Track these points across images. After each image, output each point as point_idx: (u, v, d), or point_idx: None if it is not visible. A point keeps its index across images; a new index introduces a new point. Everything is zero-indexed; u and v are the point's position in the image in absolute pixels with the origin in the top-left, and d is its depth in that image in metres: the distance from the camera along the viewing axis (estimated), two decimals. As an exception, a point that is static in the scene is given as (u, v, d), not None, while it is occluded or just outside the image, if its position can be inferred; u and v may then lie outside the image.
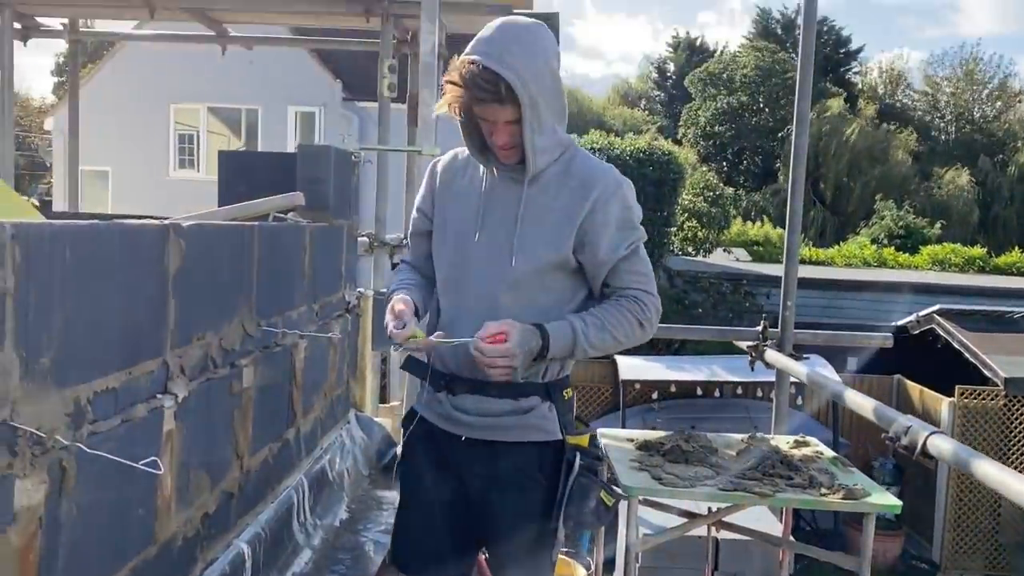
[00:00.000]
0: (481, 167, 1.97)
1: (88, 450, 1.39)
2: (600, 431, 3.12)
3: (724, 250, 16.56)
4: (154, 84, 17.18)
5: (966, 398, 8.97)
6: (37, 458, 1.35)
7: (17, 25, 5.04)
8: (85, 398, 1.51)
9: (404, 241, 2.24)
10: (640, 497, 2.62)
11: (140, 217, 3.52)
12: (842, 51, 35.70)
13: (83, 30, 5.79)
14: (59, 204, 15.19)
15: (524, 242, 1.89)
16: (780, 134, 28.61)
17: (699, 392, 9.66)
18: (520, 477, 1.90)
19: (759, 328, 3.65)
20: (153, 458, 1.41)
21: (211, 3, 4.46)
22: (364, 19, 4.51)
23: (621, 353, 10.48)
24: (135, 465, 1.34)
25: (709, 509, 2.87)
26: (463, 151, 2.05)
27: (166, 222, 1.86)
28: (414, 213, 2.13)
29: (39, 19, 5.42)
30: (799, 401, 9.33)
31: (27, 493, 1.35)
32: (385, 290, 2.16)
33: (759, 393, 9.23)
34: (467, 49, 1.82)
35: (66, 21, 5.49)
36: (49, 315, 1.39)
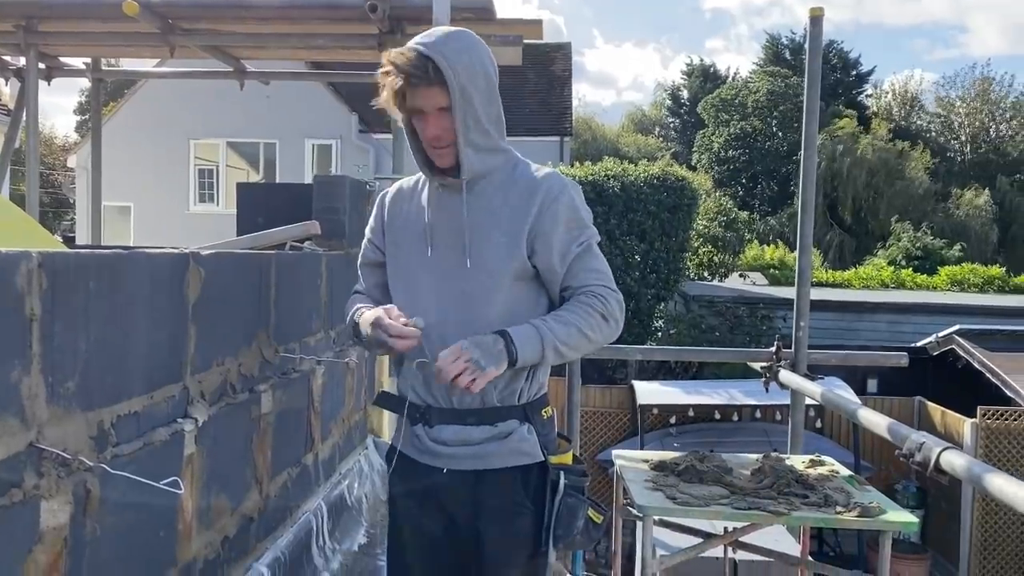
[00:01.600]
0: (426, 192, 1.97)
1: (112, 471, 1.43)
2: (615, 452, 3.14)
3: (740, 274, 16.54)
4: (174, 120, 17.50)
5: (988, 419, 8.88)
6: (62, 479, 1.40)
7: (41, 65, 5.19)
8: (109, 421, 1.56)
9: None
10: (656, 517, 2.63)
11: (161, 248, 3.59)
12: (853, 73, 35.79)
13: (105, 68, 5.95)
14: (82, 239, 15.44)
15: (476, 251, 1.87)
16: (794, 157, 28.61)
17: (717, 416, 9.62)
18: (507, 504, 1.85)
19: (773, 349, 3.66)
20: (174, 477, 1.45)
21: (229, 41, 4.57)
22: (377, 52, 4.60)
23: (638, 378, 10.47)
24: (156, 484, 1.38)
25: (725, 529, 2.87)
26: (408, 181, 2.07)
27: (186, 251, 1.92)
28: (364, 243, 2.11)
29: (62, 59, 5.57)
30: (818, 424, 9.26)
31: (53, 514, 1.39)
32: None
33: (778, 416, 9.18)
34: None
35: (88, 60, 5.64)
36: (74, 341, 1.44)
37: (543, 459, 1.87)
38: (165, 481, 1.44)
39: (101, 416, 1.54)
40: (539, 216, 1.85)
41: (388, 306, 1.87)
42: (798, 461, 2.98)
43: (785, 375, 3.47)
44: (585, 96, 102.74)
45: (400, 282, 1.97)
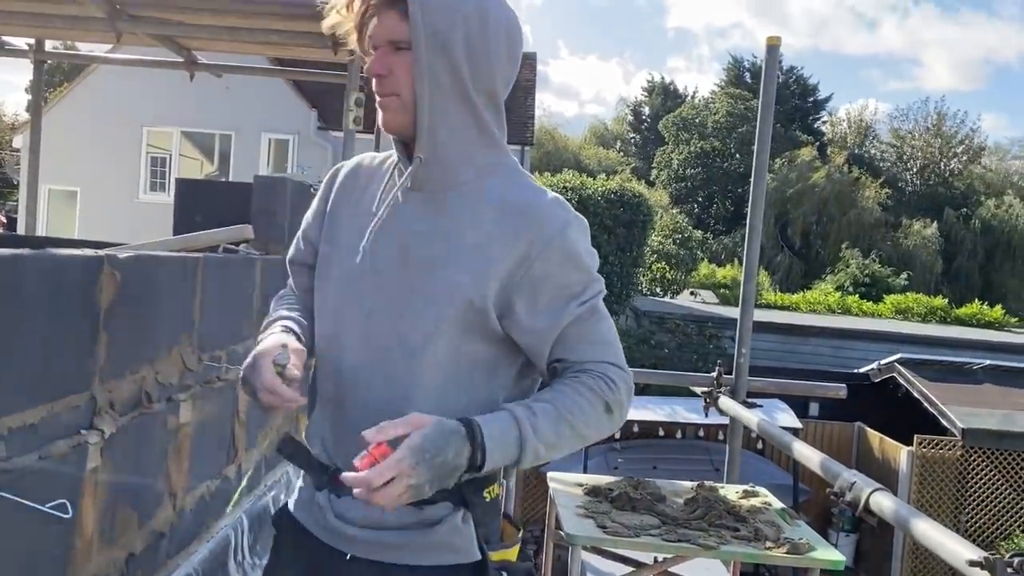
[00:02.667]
0: (386, 181, 1.42)
1: (-8, 490, 1.33)
2: (549, 475, 3.09)
3: (691, 292, 16.69)
4: (128, 106, 17.10)
5: (924, 447, 9.05)
6: (-63, 497, 1.30)
7: (-20, 43, 4.99)
8: (-2, 434, 1.46)
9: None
10: (588, 545, 2.59)
11: (91, 244, 3.46)
12: (810, 100, 36.51)
13: (49, 51, 5.75)
14: (22, 224, 14.98)
15: (421, 282, 1.34)
16: (751, 179, 29.06)
17: (661, 433, 9.65)
18: None
19: (714, 374, 3.64)
20: (62, 501, 1.35)
21: (179, 31, 4.44)
22: (332, 52, 4.51)
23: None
24: (41, 508, 1.28)
25: (656, 559, 2.83)
26: (373, 157, 1.51)
27: (101, 253, 1.82)
28: (298, 234, 1.58)
29: (5, 38, 5.37)
30: (760, 445, 9.34)
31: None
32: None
33: (720, 436, 9.23)
34: None
35: (32, 41, 5.45)
36: (-39, 348, 1.34)
37: (480, 558, 1.39)
38: (51, 504, 1.33)
39: (-10, 428, 1.44)
40: (524, 263, 1.31)
41: (287, 345, 1.35)
42: (732, 491, 2.96)
43: (724, 402, 3.46)
44: (550, 107, 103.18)
45: (323, 302, 1.46)
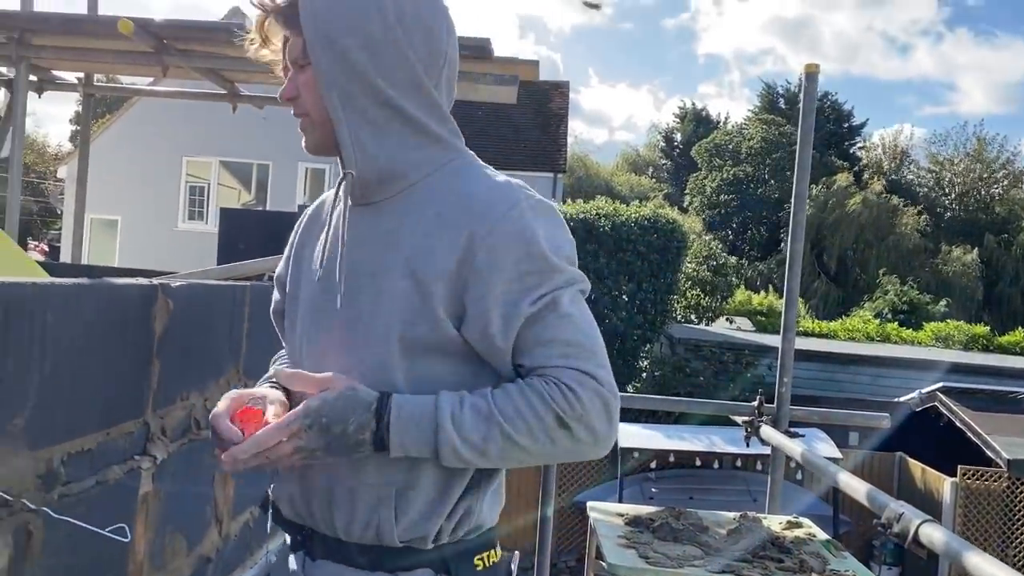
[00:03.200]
0: (334, 203, 1.34)
1: (54, 515, 1.36)
2: (590, 504, 3.07)
3: (727, 319, 16.55)
4: (168, 137, 17.50)
5: (969, 479, 8.85)
6: (2, 521, 1.33)
7: (33, 78, 5.15)
8: (59, 459, 1.50)
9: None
10: None
11: (137, 272, 3.54)
12: (845, 126, 36.26)
13: (97, 84, 5.92)
14: (67, 251, 15.33)
15: (368, 304, 1.21)
16: (785, 205, 28.88)
17: (697, 463, 9.54)
18: None
19: (755, 403, 3.61)
20: (121, 525, 1.38)
21: (222, 64, 4.56)
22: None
23: (621, 419, 10.48)
24: (101, 532, 1.31)
25: (698, 590, 2.80)
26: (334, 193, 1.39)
27: (155, 282, 1.86)
28: (273, 283, 1.53)
29: (55, 72, 5.54)
30: (799, 476, 9.20)
31: (-10, 557, 1.32)
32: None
33: (759, 466, 9.11)
34: None
35: (81, 75, 5.62)
36: (26, 375, 1.38)
37: None
38: (111, 528, 1.36)
39: (51, 454, 1.47)
40: (469, 256, 1.15)
41: (266, 396, 1.28)
42: (775, 522, 2.92)
43: (767, 431, 3.42)
44: (581, 134, 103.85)
45: (291, 344, 1.40)
